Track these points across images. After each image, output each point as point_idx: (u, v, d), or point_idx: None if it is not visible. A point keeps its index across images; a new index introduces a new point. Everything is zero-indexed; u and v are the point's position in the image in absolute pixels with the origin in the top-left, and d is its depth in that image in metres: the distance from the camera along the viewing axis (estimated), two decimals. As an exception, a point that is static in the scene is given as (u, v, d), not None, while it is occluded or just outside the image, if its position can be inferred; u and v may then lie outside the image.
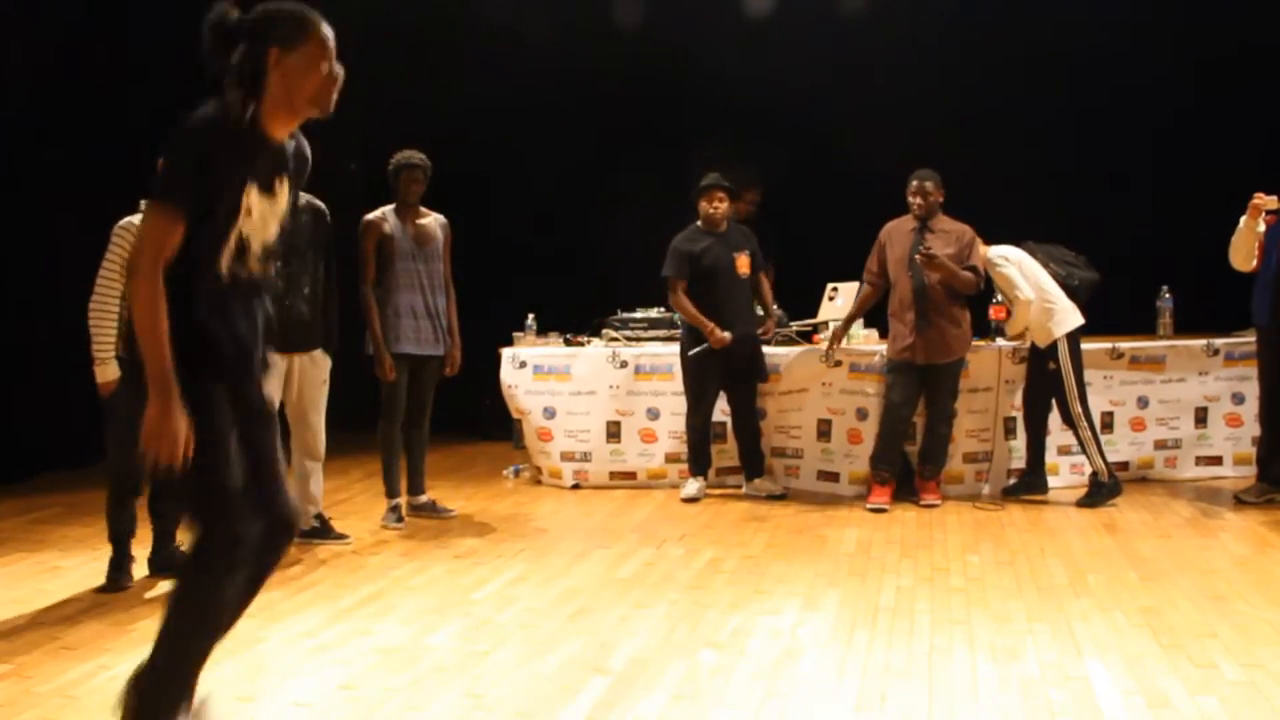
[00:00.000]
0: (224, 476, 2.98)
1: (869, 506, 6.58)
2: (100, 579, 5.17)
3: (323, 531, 5.93)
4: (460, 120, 8.78)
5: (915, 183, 6.64)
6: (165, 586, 5.12)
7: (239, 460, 3.03)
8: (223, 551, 3.02)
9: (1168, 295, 7.46)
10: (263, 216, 3.03)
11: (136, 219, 4.99)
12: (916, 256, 6.51)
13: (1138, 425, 7.26)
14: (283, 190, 3.10)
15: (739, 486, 7.19)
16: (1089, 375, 7.10)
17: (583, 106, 9.08)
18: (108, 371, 5.03)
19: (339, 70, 3.02)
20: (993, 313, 7.23)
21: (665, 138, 8.84)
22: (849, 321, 7.07)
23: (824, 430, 7.18)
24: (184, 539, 5.39)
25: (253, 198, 2.98)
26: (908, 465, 6.89)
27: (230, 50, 2.94)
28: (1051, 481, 7.06)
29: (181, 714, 3.09)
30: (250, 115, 2.95)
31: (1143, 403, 7.26)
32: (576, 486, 7.41)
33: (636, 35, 8.99)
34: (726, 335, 6.80)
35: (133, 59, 7.79)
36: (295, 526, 3.33)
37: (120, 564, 5.18)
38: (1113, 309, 7.69)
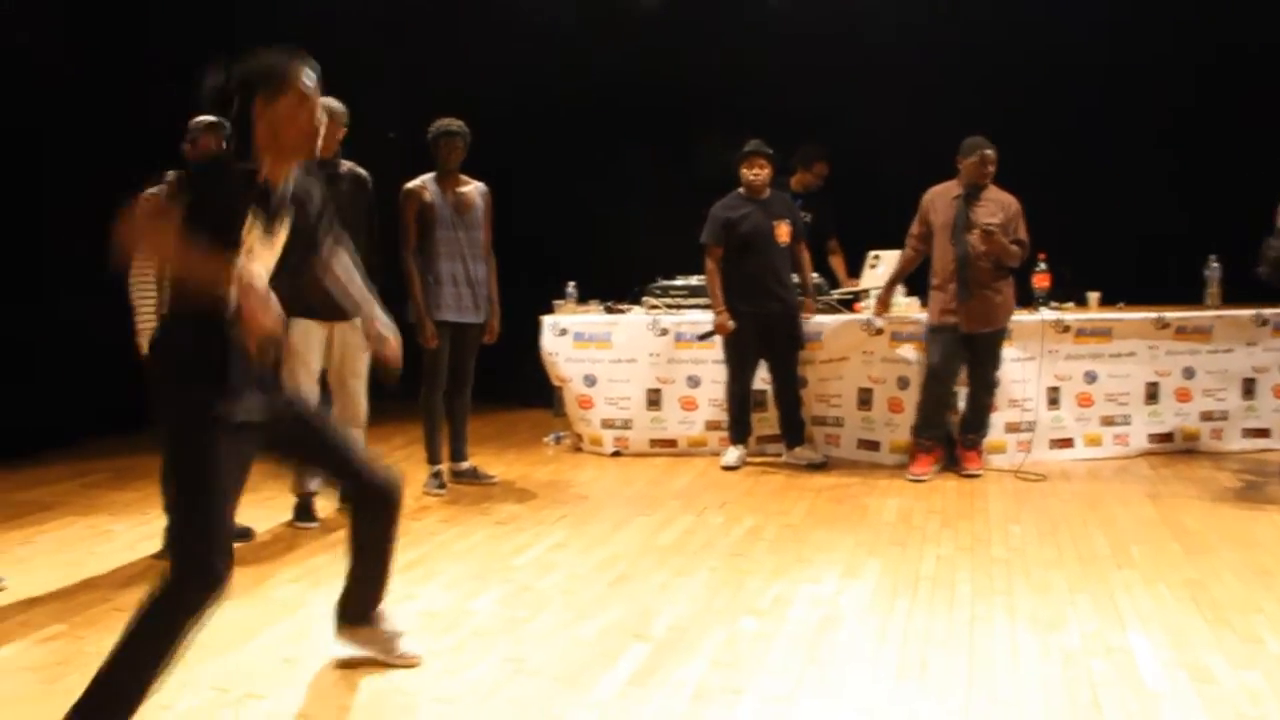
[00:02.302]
0: (211, 508, 3.06)
1: (910, 476, 6.57)
2: (150, 543, 5.25)
3: (366, 497, 5.97)
4: (501, 85, 8.76)
5: (990, 152, 6.51)
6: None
7: (228, 493, 3.12)
8: (200, 586, 3.05)
9: (1215, 264, 7.37)
10: (259, 253, 3.13)
11: (160, 189, 5.01)
12: (975, 233, 6.44)
13: (1183, 396, 7.19)
14: (281, 229, 3.21)
15: (779, 455, 7.19)
16: (1134, 344, 7.06)
17: (626, 67, 9.03)
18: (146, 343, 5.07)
19: (321, 117, 3.22)
20: (1036, 281, 7.18)
21: (707, 107, 8.80)
22: (892, 284, 7.02)
23: (865, 399, 7.16)
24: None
25: (253, 235, 3.11)
26: (949, 435, 6.87)
27: (227, 105, 3.19)
28: (1094, 452, 7.03)
29: None
30: (246, 160, 3.16)
31: (1189, 373, 7.18)
32: (617, 454, 7.44)
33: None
34: (730, 324, 6.83)
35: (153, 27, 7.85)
36: (400, 488, 3.56)
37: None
38: (1160, 278, 7.64)
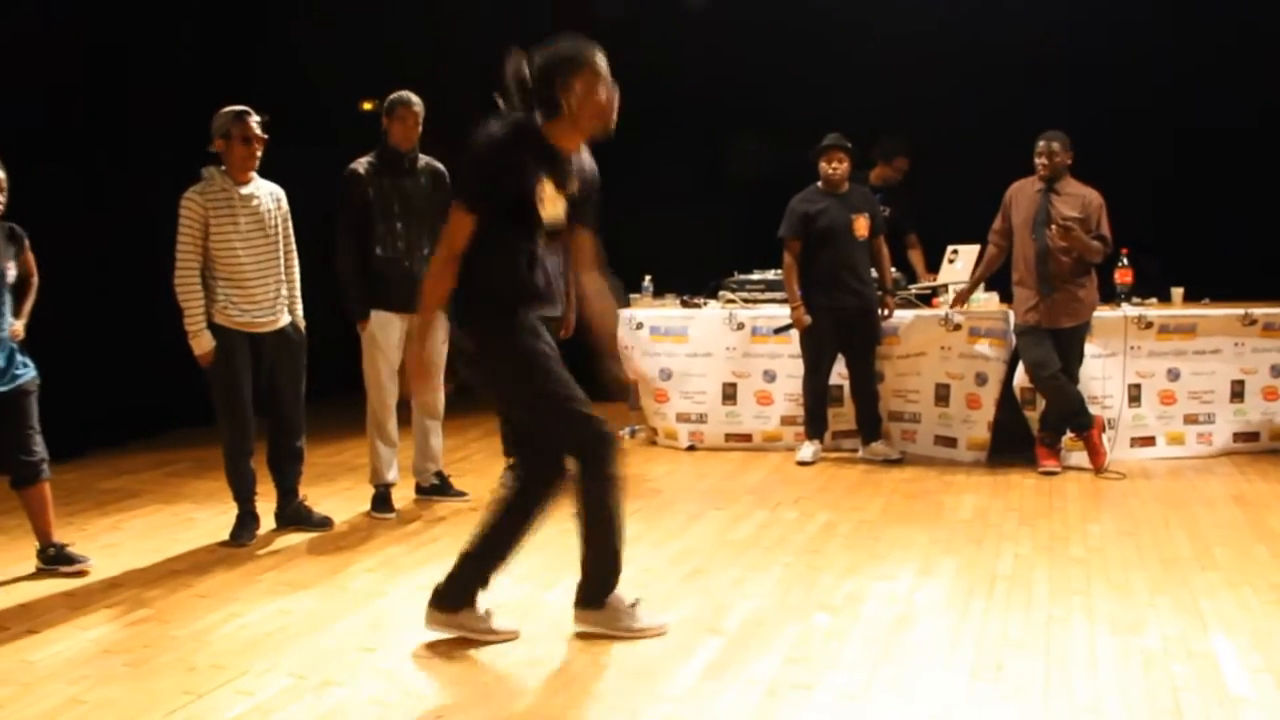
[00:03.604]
0: (563, 392, 3.72)
1: (1041, 470, 6.54)
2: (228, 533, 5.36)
3: (442, 489, 6.05)
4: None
5: (1042, 143, 6.48)
6: (292, 540, 5.31)
7: (564, 374, 3.76)
8: (604, 450, 3.74)
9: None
10: (554, 203, 3.70)
11: (198, 188, 5.11)
12: (1052, 228, 6.36)
13: (1271, 394, 7.03)
14: (571, 187, 3.76)
15: (855, 450, 7.15)
16: (1218, 342, 6.92)
17: (709, 62, 9.00)
18: (203, 342, 5.12)
19: (614, 94, 3.70)
20: (1118, 276, 7.06)
21: (786, 99, 8.76)
22: (976, 283, 6.96)
23: (942, 394, 7.09)
24: (307, 494, 5.61)
25: (547, 191, 3.66)
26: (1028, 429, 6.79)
27: (525, 85, 3.64)
28: (1176, 451, 6.91)
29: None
30: (543, 131, 3.67)
31: (1276, 371, 7.02)
32: (692, 448, 7.44)
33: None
34: (806, 319, 6.80)
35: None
36: (613, 435, 3.88)
37: (244, 521, 5.36)
38: (1246, 273, 7.47)
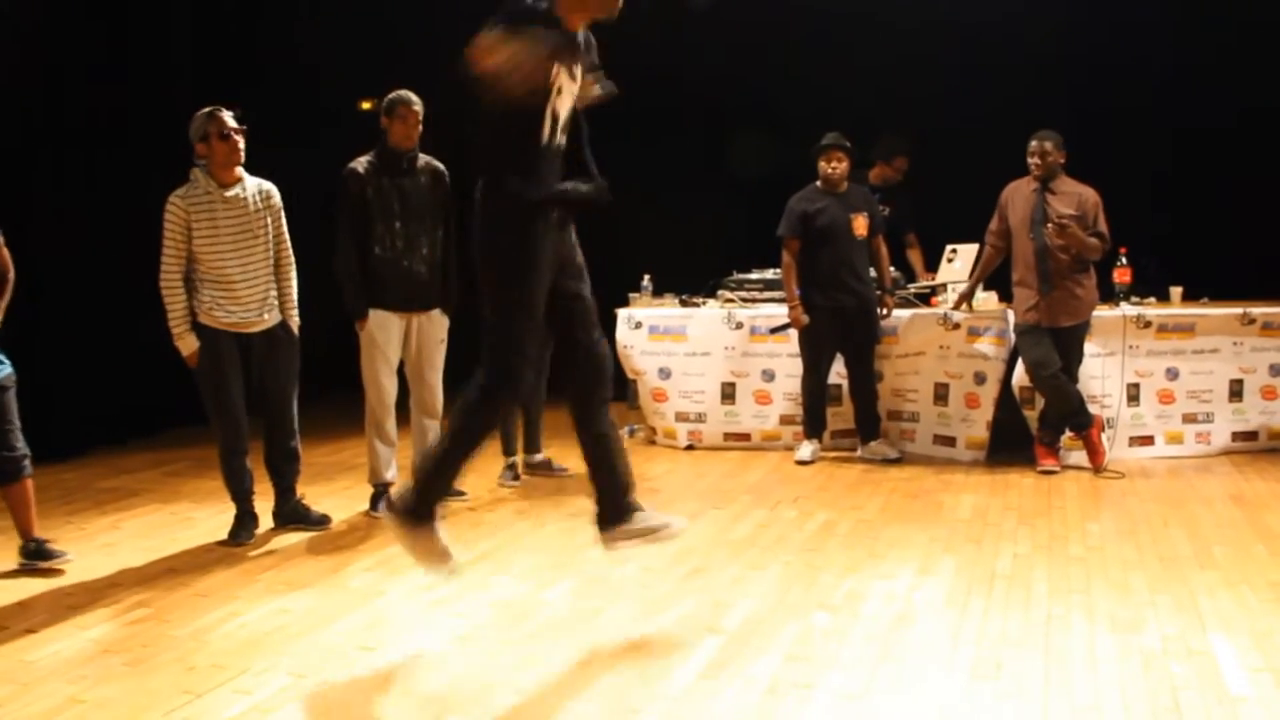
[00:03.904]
0: (528, 320, 3.72)
1: (1040, 469, 6.55)
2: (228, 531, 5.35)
3: (441, 487, 6.03)
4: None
5: (1035, 143, 6.49)
6: (290, 539, 5.31)
7: (541, 304, 3.74)
8: (508, 390, 3.75)
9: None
10: (569, 92, 3.68)
11: (181, 191, 5.12)
12: (1049, 225, 6.37)
13: (1269, 393, 7.03)
14: (578, 71, 3.69)
15: (854, 449, 7.15)
16: (1216, 341, 6.92)
17: (707, 62, 9.00)
18: (188, 343, 5.13)
19: None
20: (1117, 276, 7.07)
21: (789, 99, 8.75)
22: (975, 284, 6.97)
23: (941, 394, 7.10)
24: (305, 492, 5.61)
25: (562, 78, 3.61)
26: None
27: None
28: (1175, 450, 6.91)
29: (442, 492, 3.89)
30: (550, 6, 3.59)
31: (1275, 370, 7.03)
32: (690, 447, 7.44)
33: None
34: (803, 318, 6.79)
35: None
36: (607, 364, 4.03)
37: (241, 520, 5.36)
38: (1244, 272, 7.47)
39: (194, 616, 4.23)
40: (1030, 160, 6.50)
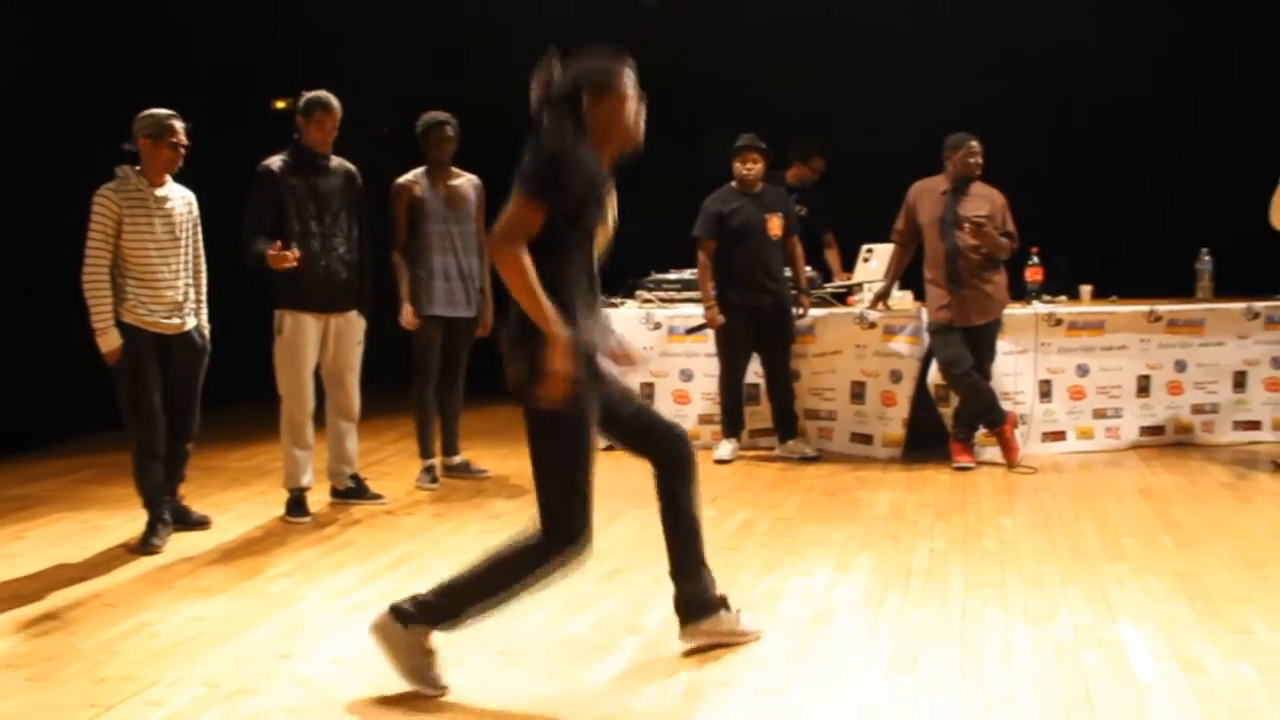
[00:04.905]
0: (582, 476, 3.56)
1: (955, 466, 6.62)
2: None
3: (358, 492, 5.98)
4: (495, 79, 8.72)
5: (975, 144, 6.57)
6: (205, 545, 5.22)
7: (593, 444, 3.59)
8: (568, 553, 3.49)
9: (1207, 258, 7.38)
10: (601, 237, 3.58)
11: (113, 185, 5.10)
12: (966, 225, 6.46)
13: (1175, 389, 7.20)
14: (611, 207, 3.59)
15: (772, 448, 7.19)
16: (1125, 338, 7.07)
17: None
18: (110, 339, 5.08)
19: (642, 110, 3.61)
20: (1029, 274, 7.19)
21: (702, 100, 8.77)
22: (890, 282, 7.05)
23: (858, 392, 7.17)
24: (186, 494, 5.51)
25: (609, 210, 3.55)
26: (943, 427, 6.88)
27: (553, 99, 3.47)
28: (1086, 445, 7.05)
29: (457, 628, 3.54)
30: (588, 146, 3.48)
31: (1180, 366, 7.19)
32: (610, 448, 7.40)
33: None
34: (719, 318, 6.83)
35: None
36: (688, 442, 3.99)
37: (153, 526, 5.25)
38: (1150, 271, 7.64)
39: (103, 627, 4.13)
40: (972, 160, 6.57)
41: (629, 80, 3.58)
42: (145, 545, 5.16)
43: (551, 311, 3.29)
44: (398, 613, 3.48)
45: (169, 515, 5.34)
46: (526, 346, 3.34)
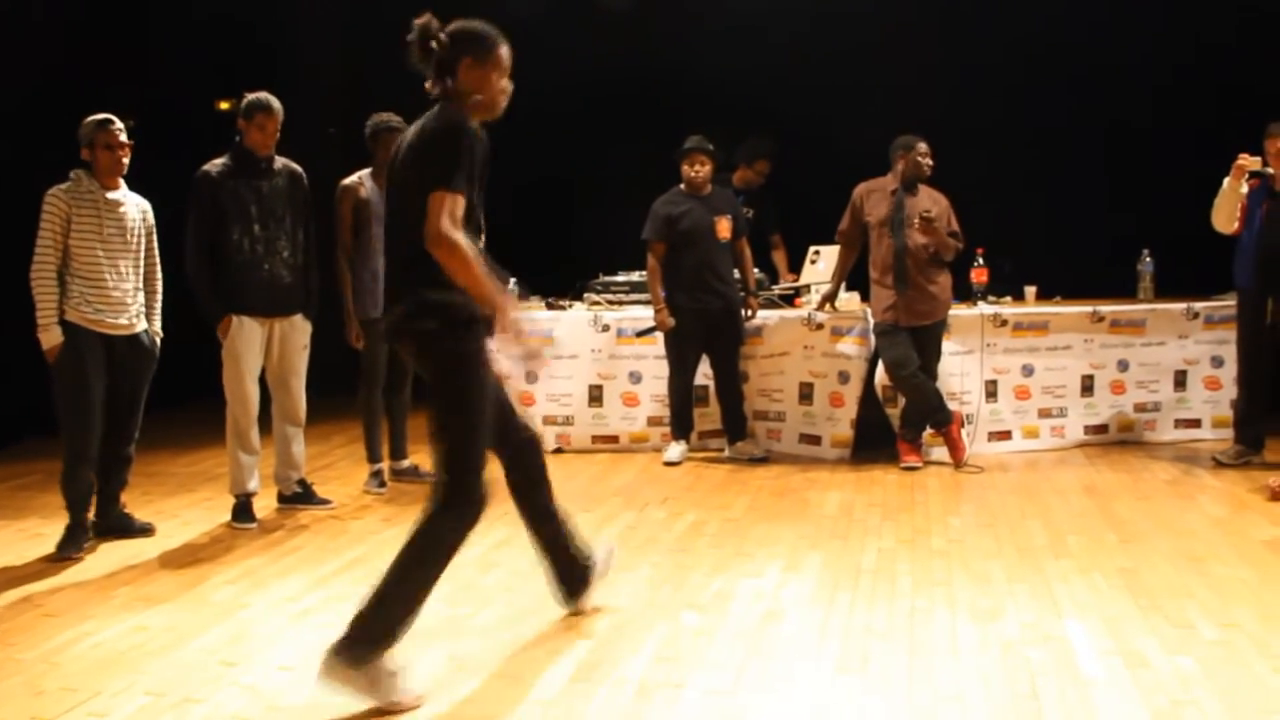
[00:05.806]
0: (479, 438, 3.58)
1: (903, 465, 6.66)
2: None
3: (305, 497, 5.93)
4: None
5: (924, 145, 6.64)
6: (148, 553, 5.15)
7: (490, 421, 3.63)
8: (469, 514, 3.52)
9: (1148, 259, 7.47)
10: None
11: (65, 186, 5.13)
12: (917, 221, 6.51)
13: (1118, 388, 7.29)
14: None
15: (721, 450, 7.20)
16: (1069, 339, 7.15)
17: (566, 62, 8.99)
18: (52, 336, 5.06)
19: (507, 90, 3.69)
20: (974, 275, 7.26)
21: (651, 103, 8.79)
22: (837, 284, 7.08)
23: (806, 393, 7.19)
24: (127, 501, 5.44)
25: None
26: (890, 427, 6.93)
27: (429, 51, 3.58)
28: (1031, 444, 7.12)
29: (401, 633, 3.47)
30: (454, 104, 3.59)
31: (1123, 366, 7.29)
32: (559, 450, 7.41)
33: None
34: (669, 320, 6.84)
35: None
36: (540, 441, 4.08)
37: (73, 532, 5.17)
38: (1093, 272, 7.73)
39: (43, 638, 4.06)
40: (923, 161, 6.64)
41: (507, 54, 3.68)
42: (62, 552, 5.08)
43: (497, 286, 3.46)
44: (344, 656, 3.37)
45: (94, 522, 5.30)
46: (439, 310, 3.49)
